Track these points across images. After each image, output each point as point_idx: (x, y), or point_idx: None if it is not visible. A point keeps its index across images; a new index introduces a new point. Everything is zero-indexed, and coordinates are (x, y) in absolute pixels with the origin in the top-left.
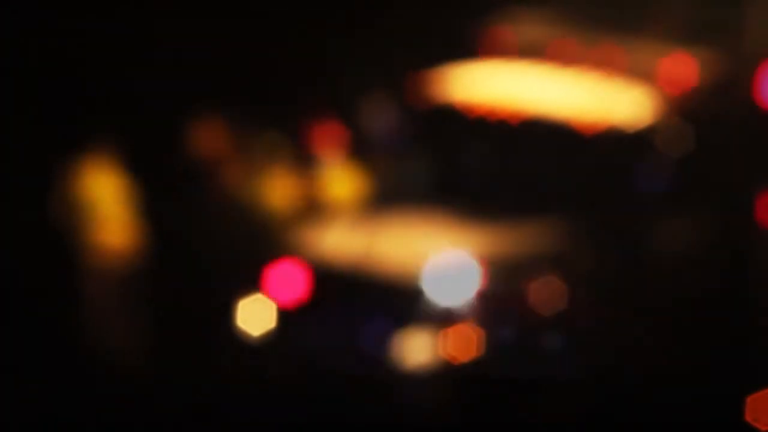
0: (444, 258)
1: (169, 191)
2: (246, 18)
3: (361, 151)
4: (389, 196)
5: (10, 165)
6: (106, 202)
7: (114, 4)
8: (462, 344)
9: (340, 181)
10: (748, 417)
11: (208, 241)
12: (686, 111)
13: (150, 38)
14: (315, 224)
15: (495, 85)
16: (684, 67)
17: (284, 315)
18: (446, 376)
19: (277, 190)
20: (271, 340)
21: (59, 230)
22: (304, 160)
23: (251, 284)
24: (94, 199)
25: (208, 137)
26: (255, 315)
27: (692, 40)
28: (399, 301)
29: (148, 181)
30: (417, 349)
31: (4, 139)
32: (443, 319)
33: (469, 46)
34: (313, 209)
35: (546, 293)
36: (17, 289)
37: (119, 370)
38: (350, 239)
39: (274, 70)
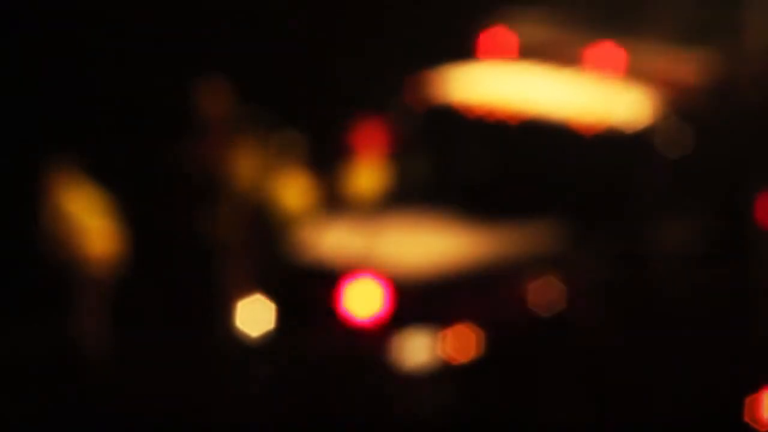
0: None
1: (172, 194)
2: (249, 20)
3: (362, 151)
4: (389, 196)
5: None
6: (97, 209)
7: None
8: (462, 344)
9: (344, 181)
10: (747, 417)
11: (208, 242)
12: (686, 111)
13: (153, 37)
14: (317, 223)
15: (495, 85)
16: (684, 67)
17: (282, 316)
18: (446, 376)
19: (287, 189)
20: (269, 340)
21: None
22: (313, 160)
23: (251, 285)
24: (85, 206)
25: (216, 135)
26: (254, 316)
27: (692, 40)
28: (398, 300)
29: (147, 186)
30: (417, 350)
31: None
32: (441, 318)
33: (469, 46)
34: (318, 209)
35: (546, 293)
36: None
37: (115, 372)
38: (351, 239)
39: (283, 72)
